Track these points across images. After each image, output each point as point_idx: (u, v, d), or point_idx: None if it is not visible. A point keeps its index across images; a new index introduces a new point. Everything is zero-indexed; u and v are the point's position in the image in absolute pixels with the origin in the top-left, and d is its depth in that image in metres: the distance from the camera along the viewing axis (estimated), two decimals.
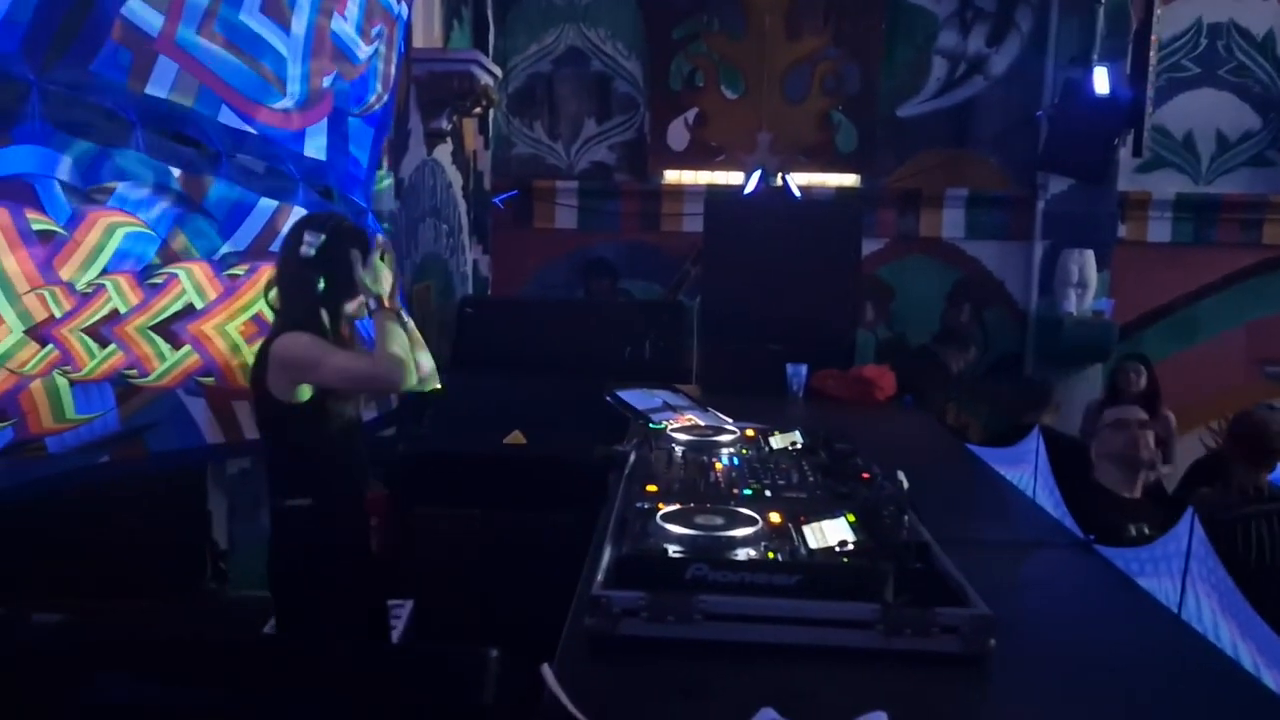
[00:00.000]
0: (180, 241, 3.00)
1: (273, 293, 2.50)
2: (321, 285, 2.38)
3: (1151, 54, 5.80)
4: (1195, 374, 5.80)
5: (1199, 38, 6.40)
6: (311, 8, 3.20)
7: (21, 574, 3.27)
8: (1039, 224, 6.30)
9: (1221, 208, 6.48)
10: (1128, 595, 1.65)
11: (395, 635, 2.58)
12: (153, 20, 2.75)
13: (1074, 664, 1.38)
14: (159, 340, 2.99)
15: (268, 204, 3.22)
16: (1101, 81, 5.58)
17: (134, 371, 2.96)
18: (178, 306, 3.01)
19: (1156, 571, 1.65)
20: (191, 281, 3.05)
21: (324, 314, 2.40)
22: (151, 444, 3.06)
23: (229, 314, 3.19)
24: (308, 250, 2.36)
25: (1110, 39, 5.96)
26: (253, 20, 3.04)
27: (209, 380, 3.14)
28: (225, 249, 3.13)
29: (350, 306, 2.45)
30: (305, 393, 2.33)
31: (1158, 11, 5.79)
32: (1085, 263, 6.04)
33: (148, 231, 2.91)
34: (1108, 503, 2.76)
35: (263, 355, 2.40)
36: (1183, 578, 1.56)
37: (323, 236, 2.37)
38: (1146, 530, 2.53)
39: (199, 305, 3.05)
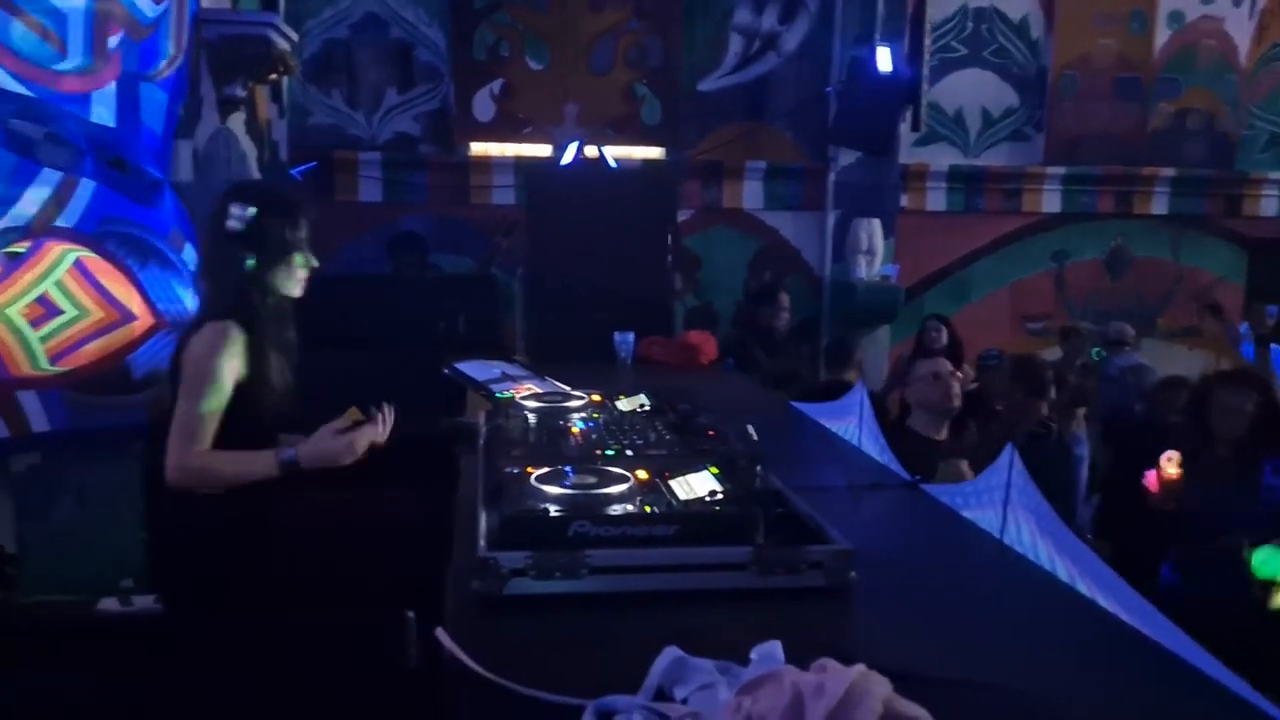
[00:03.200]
0: None
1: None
2: (252, 262, 2.16)
3: (926, 35, 6.24)
4: (969, 330, 6.32)
5: (965, 21, 6.94)
6: None
7: None
8: (830, 195, 6.66)
9: (987, 179, 7.08)
10: (956, 526, 1.81)
11: None
12: None
13: (921, 588, 1.51)
14: None
15: (50, 174, 2.97)
16: (884, 60, 5.95)
17: None
18: None
19: (980, 503, 1.81)
20: None
21: (254, 294, 2.19)
22: None
23: (10, 295, 2.93)
24: (235, 224, 2.14)
25: (889, 20, 6.35)
26: None
27: None
28: (4, 224, 2.87)
29: (286, 283, 2.25)
30: (240, 375, 2.16)
31: None
32: (873, 231, 6.44)
33: None
34: (920, 446, 3.01)
35: (183, 340, 2.20)
36: (1004, 506, 1.73)
37: (251, 209, 2.14)
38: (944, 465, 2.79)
39: None
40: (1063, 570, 1.57)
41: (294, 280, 2.27)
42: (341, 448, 2.19)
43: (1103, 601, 1.44)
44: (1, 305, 2.90)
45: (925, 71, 6.40)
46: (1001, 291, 7.29)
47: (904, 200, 6.84)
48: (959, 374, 3.31)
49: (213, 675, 1.16)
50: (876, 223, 6.46)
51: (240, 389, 2.17)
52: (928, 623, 1.37)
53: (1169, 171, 7.21)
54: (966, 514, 1.85)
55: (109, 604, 2.83)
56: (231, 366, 2.14)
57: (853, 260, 6.48)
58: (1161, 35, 7.16)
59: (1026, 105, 7.12)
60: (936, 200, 7.06)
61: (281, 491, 2.13)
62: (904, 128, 6.52)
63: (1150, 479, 3.17)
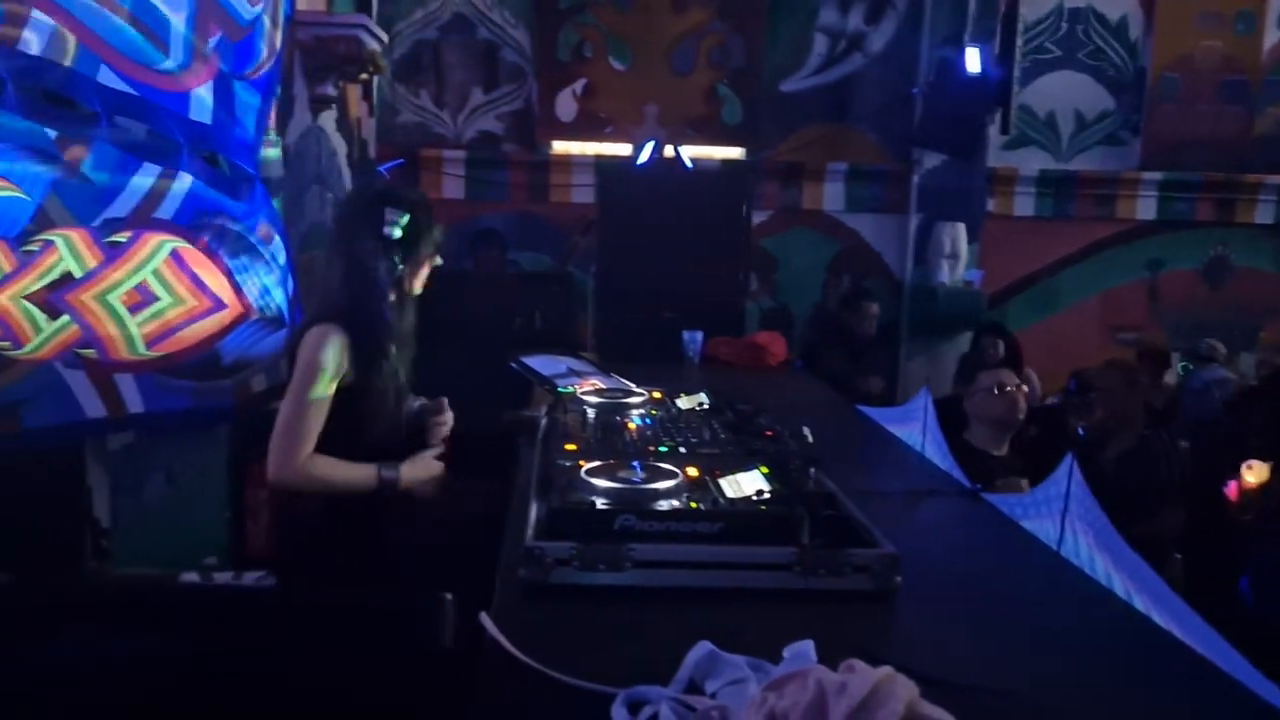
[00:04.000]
0: (57, 207, 2.87)
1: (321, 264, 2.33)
2: (401, 265, 2.22)
3: (1018, 36, 6.10)
4: (1055, 340, 6.16)
5: (1060, 21, 6.76)
6: None
7: None
8: (914, 197, 6.56)
9: (1079, 184, 6.88)
10: (1013, 536, 1.79)
11: None
12: None
13: (969, 597, 1.50)
14: (34, 310, 2.87)
15: (151, 169, 3.11)
16: (973, 61, 5.83)
17: (7, 344, 2.83)
18: (54, 275, 2.89)
19: (1039, 514, 1.79)
20: (70, 249, 2.93)
21: (383, 295, 2.23)
22: (26, 419, 2.93)
23: (110, 283, 3.08)
24: (391, 230, 2.19)
25: (980, 20, 6.23)
26: None
27: (89, 352, 3.02)
28: (106, 215, 3.01)
29: (417, 285, 2.32)
30: (347, 378, 2.18)
31: None
32: (957, 235, 6.33)
33: (21, 196, 2.78)
34: (978, 461, 2.94)
35: (303, 329, 2.23)
36: (1062, 518, 1.70)
37: (406, 215, 2.20)
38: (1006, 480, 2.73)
39: (78, 274, 2.94)
40: (1120, 586, 1.54)
41: (423, 280, 2.34)
42: (439, 470, 2.24)
43: (1159, 619, 1.41)
44: (103, 292, 3.04)
45: (1016, 73, 6.25)
46: (1091, 301, 7.08)
47: (990, 205, 6.70)
48: (1024, 387, 3.19)
49: (256, 649, 1.22)
50: (961, 227, 6.35)
51: (346, 393, 2.18)
52: (971, 631, 1.36)
53: (1275, 179, 6.91)
54: (1025, 524, 1.82)
55: (190, 578, 2.97)
56: (336, 368, 2.14)
57: (935, 265, 6.38)
58: (1270, 36, 6.86)
59: (1123, 108, 6.90)
60: (1024, 205, 6.90)
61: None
62: (992, 130, 6.38)
63: (1231, 489, 3.07)
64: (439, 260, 2.38)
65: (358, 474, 2.15)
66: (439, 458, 2.28)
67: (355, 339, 2.17)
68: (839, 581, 1.38)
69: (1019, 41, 6.29)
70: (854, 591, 1.39)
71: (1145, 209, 6.96)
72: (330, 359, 2.12)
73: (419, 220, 2.25)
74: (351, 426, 2.18)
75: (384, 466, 2.17)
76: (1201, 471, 3.34)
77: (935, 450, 2.34)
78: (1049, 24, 6.78)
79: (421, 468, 2.23)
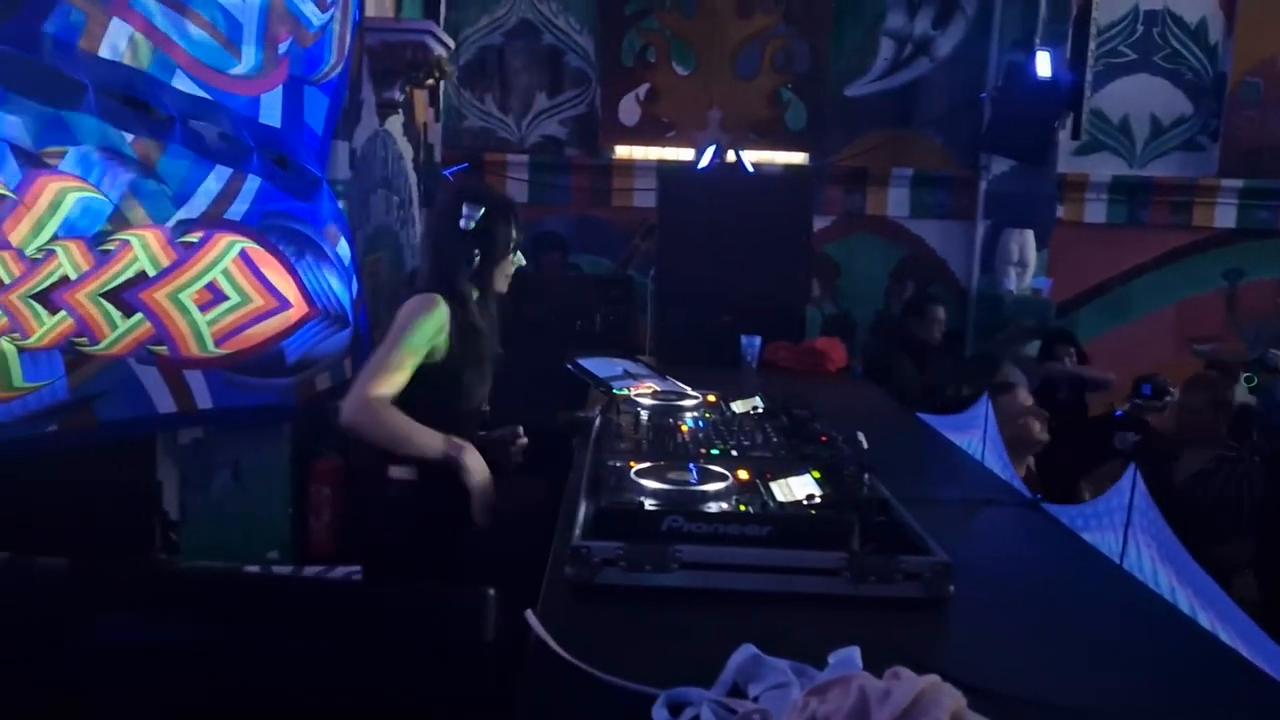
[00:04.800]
0: (133, 207, 2.97)
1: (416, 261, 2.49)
2: (478, 258, 2.32)
3: (1091, 39, 5.96)
4: (1128, 351, 5.99)
5: (1135, 24, 6.58)
6: None
7: None
8: (981, 204, 6.44)
9: (1154, 190, 6.68)
10: (1073, 547, 1.74)
11: None
12: None
13: (1026, 608, 1.46)
14: (110, 307, 2.96)
15: (222, 171, 3.19)
16: (1043, 65, 5.72)
17: (84, 339, 2.93)
18: (130, 273, 2.99)
19: (1100, 526, 1.74)
20: (144, 248, 3.02)
21: (469, 286, 2.34)
22: (101, 413, 3.03)
23: (182, 281, 3.17)
24: (467, 223, 2.29)
25: (1052, 24, 6.10)
26: None
27: (161, 349, 3.11)
28: (179, 216, 3.10)
29: (500, 279, 2.41)
30: (438, 352, 2.26)
31: None
32: (1025, 242, 6.20)
33: (100, 197, 2.87)
34: None
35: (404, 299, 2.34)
36: (1125, 530, 1.65)
37: (482, 209, 2.31)
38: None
39: (151, 272, 3.03)
40: (1184, 601, 1.49)
41: (505, 277, 2.43)
42: (489, 477, 2.24)
43: (1225, 637, 1.36)
44: (175, 291, 3.12)
45: (1088, 77, 6.12)
46: (1166, 310, 6.87)
47: (1060, 211, 6.55)
48: (1044, 413, 3.08)
49: (301, 638, 1.25)
50: (1029, 234, 6.22)
51: (437, 369, 2.26)
52: (1027, 643, 1.33)
53: None
54: (1086, 536, 1.77)
55: (250, 571, 3.04)
56: (431, 332, 2.23)
57: (1002, 272, 6.26)
58: None
59: (1201, 113, 6.69)
60: (1096, 212, 6.72)
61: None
62: (1063, 136, 6.24)
63: None
64: (522, 260, 2.46)
65: (427, 437, 2.19)
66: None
67: (454, 313, 2.26)
68: (889, 589, 1.36)
69: (1092, 45, 6.15)
70: (905, 599, 1.36)
71: (1224, 217, 6.74)
72: (429, 321, 2.22)
73: (494, 216, 2.34)
74: (437, 402, 2.25)
75: (452, 440, 2.20)
76: (1275, 489, 3.22)
77: (995, 459, 2.29)
78: (1124, 27, 6.61)
79: (481, 464, 2.24)
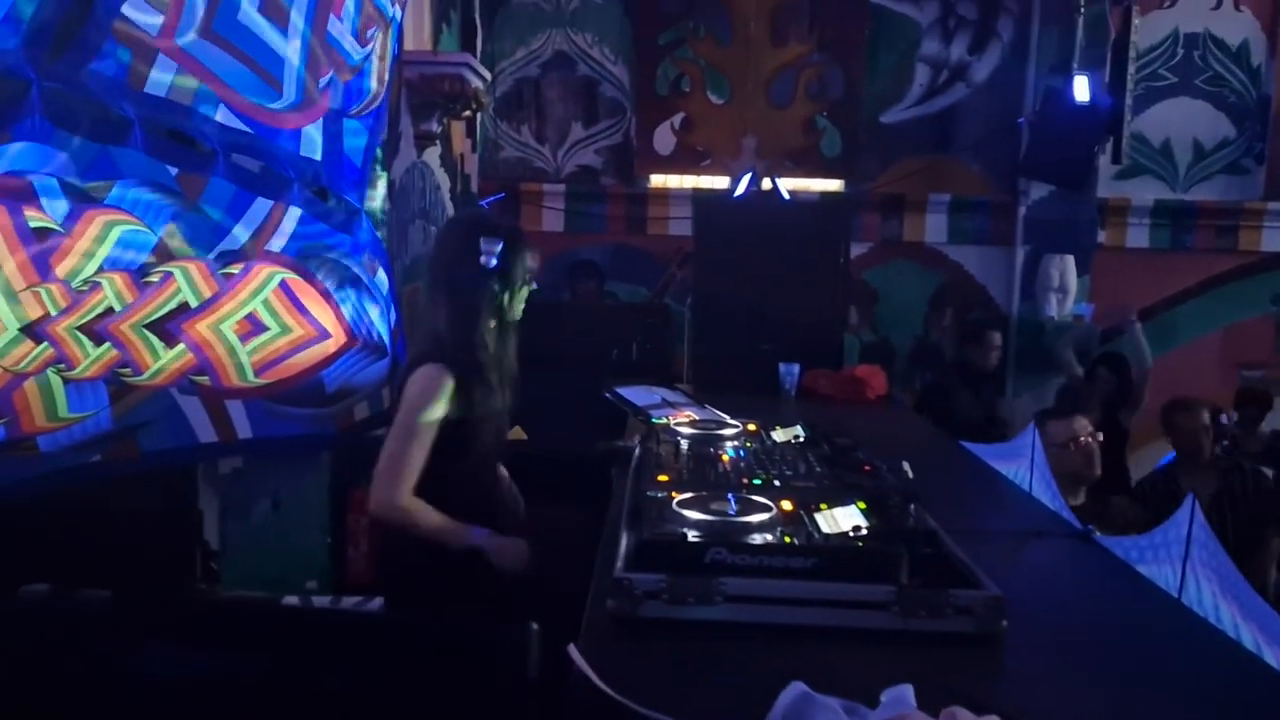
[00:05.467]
0: (176, 239, 3.00)
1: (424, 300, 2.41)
2: (503, 294, 2.29)
3: (1130, 63, 5.90)
4: (1174, 377, 5.86)
5: (1176, 47, 6.52)
6: (309, 9, 3.21)
7: (7, 574, 3.25)
8: (1020, 229, 6.38)
9: (1198, 214, 6.59)
10: (1129, 580, 1.69)
11: None
12: (152, 19, 2.76)
13: (1082, 645, 1.42)
14: (153, 338, 2.99)
15: (263, 203, 3.23)
16: (1082, 90, 5.67)
17: (128, 370, 2.96)
18: (173, 305, 3.01)
19: (1156, 559, 1.69)
20: (187, 280, 3.05)
21: (484, 325, 2.28)
22: (144, 443, 3.05)
23: (224, 313, 3.19)
24: (489, 260, 2.23)
25: (1089, 48, 6.05)
26: (251, 20, 3.05)
27: (203, 379, 3.14)
28: (221, 247, 3.14)
29: (518, 307, 2.37)
30: (450, 416, 2.23)
31: (1135, 22, 5.88)
32: (1066, 268, 6.12)
33: (144, 229, 2.91)
34: None
35: (411, 365, 2.30)
36: (1183, 563, 1.60)
37: (500, 243, 2.25)
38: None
39: (194, 303, 3.06)
40: (1248, 637, 1.44)
41: (521, 303, 2.38)
42: (520, 553, 2.21)
43: None
44: (217, 321, 3.15)
45: (1128, 101, 6.04)
46: (1212, 336, 6.75)
47: (1101, 236, 6.46)
48: (1099, 435, 3.00)
49: (343, 671, 1.23)
50: (1069, 259, 6.14)
51: (452, 425, 2.22)
52: (1084, 681, 1.28)
53: None
54: (1142, 569, 1.72)
55: (291, 601, 3.04)
56: (441, 408, 2.19)
57: (1043, 298, 6.18)
58: None
59: (1245, 136, 6.59)
60: (1138, 237, 6.63)
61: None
62: (1103, 160, 6.17)
63: None
64: (534, 285, 2.43)
65: (450, 531, 2.17)
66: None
67: (461, 376, 2.21)
68: (940, 623, 1.32)
69: (1131, 69, 6.08)
70: (955, 634, 1.32)
71: (1271, 240, 6.62)
72: (437, 400, 2.17)
73: (512, 247, 2.29)
74: (451, 451, 2.22)
75: (474, 532, 2.17)
76: None
77: (1044, 489, 2.24)
78: (1164, 50, 6.54)
79: (509, 549, 2.20)
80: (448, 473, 2.21)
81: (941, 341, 6.50)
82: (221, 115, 3.04)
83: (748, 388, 3.48)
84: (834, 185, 6.46)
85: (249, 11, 3.04)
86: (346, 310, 3.45)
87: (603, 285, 6.10)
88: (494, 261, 2.23)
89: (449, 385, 2.19)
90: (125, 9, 2.68)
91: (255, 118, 3.16)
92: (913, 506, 1.63)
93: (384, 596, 2.45)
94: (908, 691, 1.07)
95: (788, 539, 1.41)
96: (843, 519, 1.51)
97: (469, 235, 2.29)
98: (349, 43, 3.40)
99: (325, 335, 3.38)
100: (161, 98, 2.85)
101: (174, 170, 2.94)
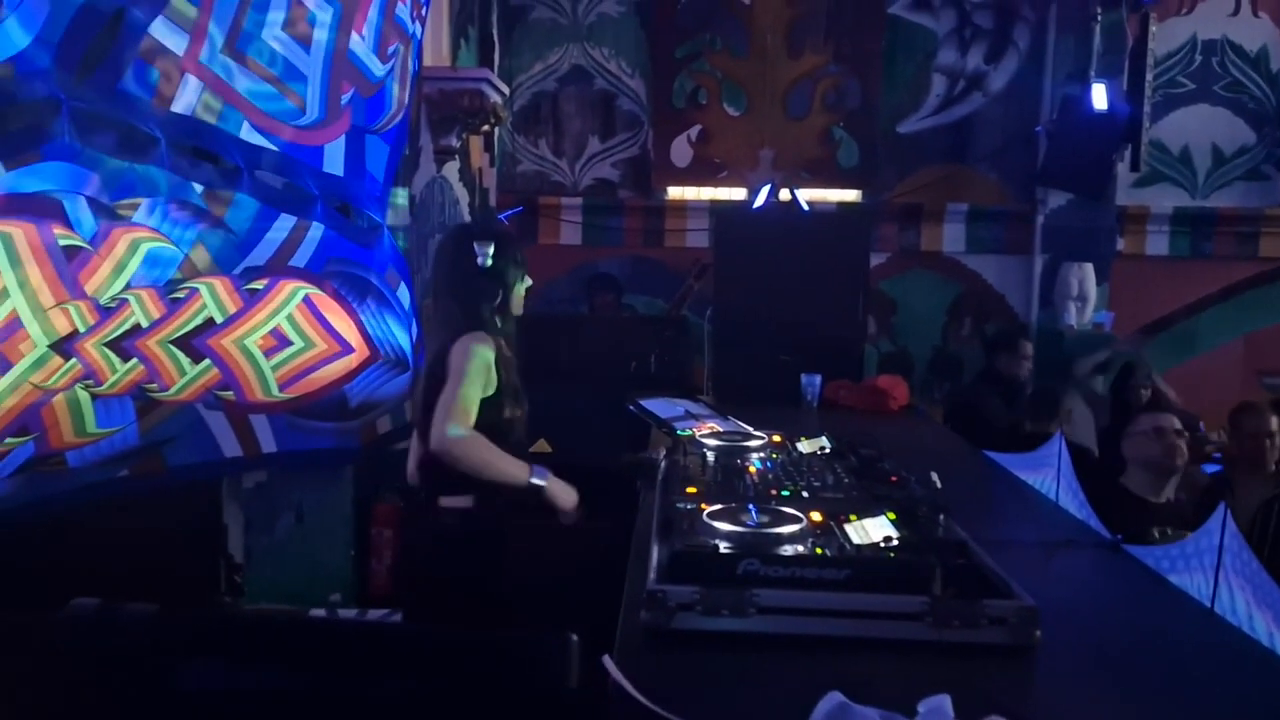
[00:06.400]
0: (202, 256, 3.04)
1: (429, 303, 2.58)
2: (499, 294, 2.44)
3: (1148, 70, 5.88)
4: (1195, 385, 5.83)
5: (1194, 54, 6.49)
6: (331, 27, 3.25)
7: (35, 587, 3.27)
8: (1038, 238, 6.36)
9: (1218, 221, 6.54)
10: (1160, 590, 1.68)
11: None
12: (178, 40, 2.80)
13: (1114, 655, 1.41)
14: (179, 354, 3.02)
15: (287, 219, 3.26)
16: (1099, 98, 5.65)
17: (154, 385, 2.99)
18: (198, 320, 3.04)
19: (1188, 568, 1.68)
20: (212, 296, 3.08)
21: (494, 321, 2.44)
22: (170, 458, 3.08)
23: (248, 328, 3.23)
24: (484, 261, 2.41)
25: (1107, 56, 6.03)
26: (274, 39, 3.08)
27: (228, 394, 3.16)
28: (246, 263, 3.17)
29: (518, 306, 2.52)
30: (490, 386, 2.36)
31: (1153, 29, 5.87)
32: (1085, 276, 6.09)
33: (171, 247, 2.94)
34: (1135, 507, 2.80)
35: (443, 354, 2.41)
36: (1216, 572, 1.59)
37: (492, 245, 2.43)
38: (1170, 532, 2.55)
39: (219, 319, 3.09)
40: None
41: (520, 302, 2.53)
42: (574, 501, 2.34)
43: None
44: (241, 337, 3.18)
45: (1146, 108, 6.02)
46: (1234, 343, 6.69)
47: (1121, 244, 6.43)
48: (1187, 433, 3.01)
49: (381, 682, 1.24)
50: (1089, 267, 6.11)
51: (485, 401, 2.35)
52: (1119, 693, 1.28)
53: None
54: (1173, 579, 1.71)
55: (317, 614, 3.06)
56: (487, 367, 2.34)
57: (1062, 307, 6.15)
58: None
59: (1264, 142, 6.55)
60: (1158, 244, 6.59)
61: (519, 514, 2.27)
62: (1121, 168, 6.14)
63: None
64: (529, 281, 2.55)
65: (513, 466, 2.30)
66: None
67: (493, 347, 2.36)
68: (973, 634, 1.32)
69: (1149, 76, 6.06)
70: (989, 645, 1.32)
71: None
72: (484, 356, 2.32)
73: (504, 247, 2.45)
74: (495, 429, 2.33)
75: (535, 468, 2.31)
76: None
77: (1070, 498, 2.23)
78: (1181, 57, 6.52)
79: (563, 489, 2.34)
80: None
81: (961, 351, 6.47)
82: (246, 133, 3.07)
83: (769, 399, 3.48)
84: (851, 196, 6.46)
85: (273, 30, 3.08)
86: (369, 325, 3.47)
87: (620, 298, 6.11)
88: (488, 261, 2.40)
89: (491, 347, 2.35)
90: (152, 29, 2.72)
91: (279, 135, 3.19)
92: (942, 517, 1.63)
93: (404, 609, 2.49)
94: (945, 702, 1.07)
95: (820, 550, 1.42)
96: (873, 530, 1.51)
97: (462, 243, 2.49)
98: (370, 60, 3.43)
99: (348, 350, 3.40)
100: (187, 116, 2.89)
101: (200, 187, 2.98)
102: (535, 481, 2.29)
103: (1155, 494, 2.92)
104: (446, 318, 2.48)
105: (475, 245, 2.42)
